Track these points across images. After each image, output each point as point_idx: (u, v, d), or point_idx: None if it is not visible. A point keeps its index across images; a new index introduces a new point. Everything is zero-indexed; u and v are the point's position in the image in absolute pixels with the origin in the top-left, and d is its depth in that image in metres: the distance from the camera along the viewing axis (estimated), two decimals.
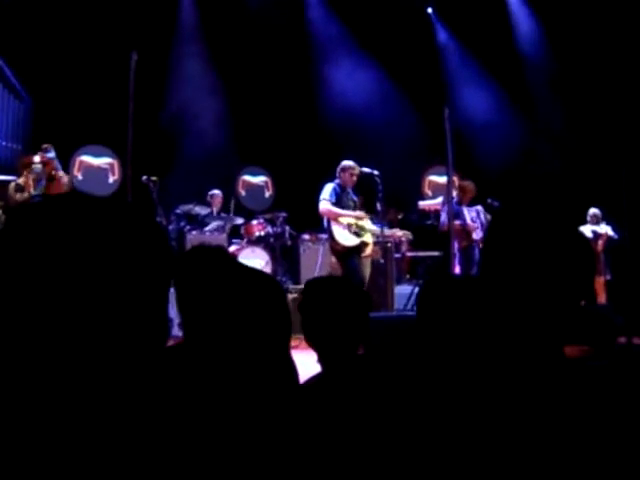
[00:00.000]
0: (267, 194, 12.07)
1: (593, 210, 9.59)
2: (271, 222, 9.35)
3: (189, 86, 10.56)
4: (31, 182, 7.37)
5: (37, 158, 7.41)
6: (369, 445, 1.25)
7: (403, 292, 8.51)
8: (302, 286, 2.48)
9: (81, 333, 0.83)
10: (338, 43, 11.36)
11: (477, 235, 8.20)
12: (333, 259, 7.79)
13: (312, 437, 1.26)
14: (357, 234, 7.44)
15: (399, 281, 9.30)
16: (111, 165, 10.89)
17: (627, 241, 9.12)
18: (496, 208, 8.57)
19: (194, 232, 8.90)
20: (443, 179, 10.64)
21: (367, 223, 7.59)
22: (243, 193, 11.85)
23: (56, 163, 7.57)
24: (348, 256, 7.38)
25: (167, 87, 10.57)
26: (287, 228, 9.36)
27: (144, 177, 7.96)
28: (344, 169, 7.51)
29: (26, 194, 7.35)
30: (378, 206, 7.65)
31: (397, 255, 9.31)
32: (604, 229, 9.46)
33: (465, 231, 8.26)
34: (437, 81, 11.42)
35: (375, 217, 7.71)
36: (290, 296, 7.67)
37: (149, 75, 7.94)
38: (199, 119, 10.39)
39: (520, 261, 1.32)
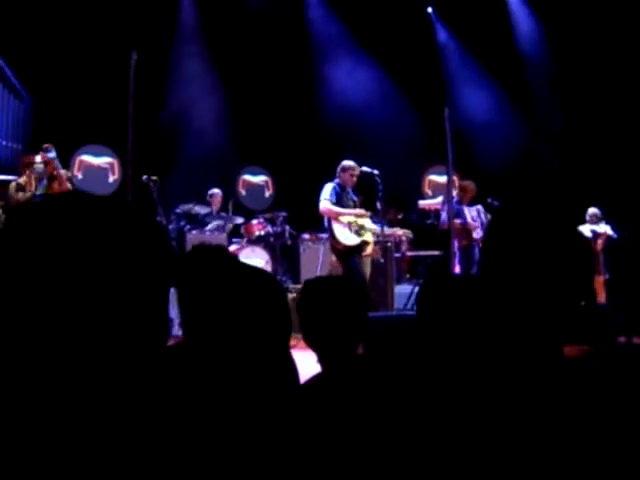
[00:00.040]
0: (267, 194, 12.07)
1: (592, 210, 9.59)
2: (271, 221, 9.35)
3: (189, 86, 10.56)
4: (33, 181, 7.37)
5: (39, 158, 7.41)
6: (369, 445, 1.25)
7: (403, 291, 8.51)
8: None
9: (81, 333, 0.84)
10: (338, 42, 11.35)
11: (477, 234, 8.21)
12: (333, 258, 7.79)
13: (312, 437, 1.26)
14: (358, 233, 7.45)
15: (399, 280, 9.30)
16: (111, 165, 10.89)
17: (627, 240, 9.13)
18: (496, 208, 8.57)
19: (194, 231, 8.89)
20: (443, 179, 10.63)
21: (367, 222, 7.59)
22: (243, 192, 11.85)
23: (57, 163, 7.56)
24: (349, 255, 7.39)
25: (167, 87, 10.56)
26: (287, 227, 9.36)
27: (144, 177, 7.96)
28: (344, 169, 7.51)
29: (27, 194, 7.35)
30: (378, 205, 7.65)
31: (397, 254, 9.31)
32: (603, 228, 9.47)
33: (465, 230, 8.27)
34: (437, 81, 11.42)
35: (375, 216, 7.71)
36: (290, 295, 7.66)
37: (149, 75, 7.94)
38: (199, 119, 10.39)
39: (520, 261, 1.32)
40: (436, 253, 9.56)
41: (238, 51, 10.66)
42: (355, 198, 7.64)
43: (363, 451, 1.25)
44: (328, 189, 7.45)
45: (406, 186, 10.83)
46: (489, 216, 8.35)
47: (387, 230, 8.09)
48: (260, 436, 1.14)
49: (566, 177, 10.36)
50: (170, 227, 8.85)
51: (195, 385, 1.23)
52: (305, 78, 11.11)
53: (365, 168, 7.64)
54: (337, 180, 7.53)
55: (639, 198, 9.47)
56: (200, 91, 10.57)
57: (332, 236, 7.45)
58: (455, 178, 8.21)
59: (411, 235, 8.71)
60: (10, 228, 0.86)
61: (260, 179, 12.06)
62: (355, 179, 7.54)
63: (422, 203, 9.72)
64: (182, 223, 9.07)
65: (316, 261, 8.73)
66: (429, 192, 11.99)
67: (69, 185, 7.78)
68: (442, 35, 12.16)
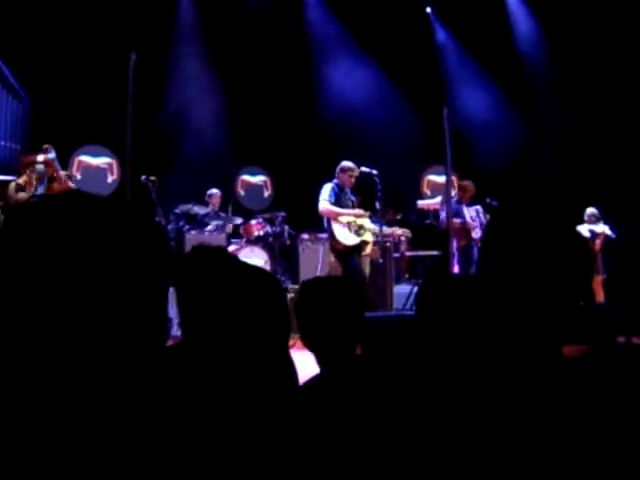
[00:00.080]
0: (266, 194, 12.07)
1: (590, 209, 9.59)
2: (270, 222, 9.34)
3: (188, 86, 10.56)
4: (33, 182, 7.35)
5: (40, 157, 7.39)
6: (369, 445, 1.25)
7: (402, 292, 8.51)
8: None
9: (80, 333, 0.83)
10: (337, 43, 11.35)
11: (476, 234, 8.22)
12: (332, 259, 7.79)
13: (312, 438, 1.26)
14: (357, 233, 7.46)
15: (398, 280, 9.30)
16: (110, 165, 10.88)
17: (626, 240, 9.14)
18: (495, 208, 8.58)
19: (193, 232, 8.89)
20: (442, 178, 10.64)
21: (367, 222, 7.61)
22: (242, 193, 11.85)
23: (57, 163, 7.56)
24: (349, 255, 7.40)
25: (166, 87, 10.56)
26: (286, 228, 9.35)
27: (143, 177, 7.95)
28: (343, 170, 7.52)
29: (27, 194, 7.33)
30: (377, 205, 7.66)
31: (396, 255, 9.31)
32: (601, 228, 9.47)
33: (465, 229, 8.28)
34: (436, 81, 11.42)
35: (374, 216, 7.72)
36: (289, 295, 7.67)
37: (148, 75, 7.93)
38: (198, 119, 10.38)
39: (519, 260, 1.32)
40: (435, 253, 9.56)
41: (237, 51, 10.66)
42: (353, 198, 7.65)
43: (362, 451, 1.25)
44: (327, 189, 7.45)
45: (405, 186, 10.83)
46: (488, 216, 8.36)
47: (386, 230, 8.10)
48: (259, 437, 1.14)
49: (565, 177, 10.36)
50: (169, 227, 8.84)
51: (194, 386, 1.23)
52: (304, 78, 11.11)
53: (364, 168, 7.65)
54: (336, 180, 7.54)
55: (638, 198, 9.49)
56: (199, 91, 10.57)
57: (332, 236, 7.46)
58: (454, 178, 8.22)
59: (410, 234, 8.72)
60: (9, 228, 0.86)
61: (259, 179, 12.06)
62: (354, 180, 7.55)
63: (421, 203, 9.73)
64: (181, 223, 9.06)
65: (315, 261, 8.73)
66: (428, 192, 12.00)
67: (71, 184, 7.77)
68: (441, 35, 12.16)
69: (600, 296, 8.84)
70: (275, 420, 1.24)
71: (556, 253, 1.32)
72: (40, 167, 7.41)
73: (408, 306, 7.99)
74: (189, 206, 9.08)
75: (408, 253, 10.21)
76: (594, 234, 9.26)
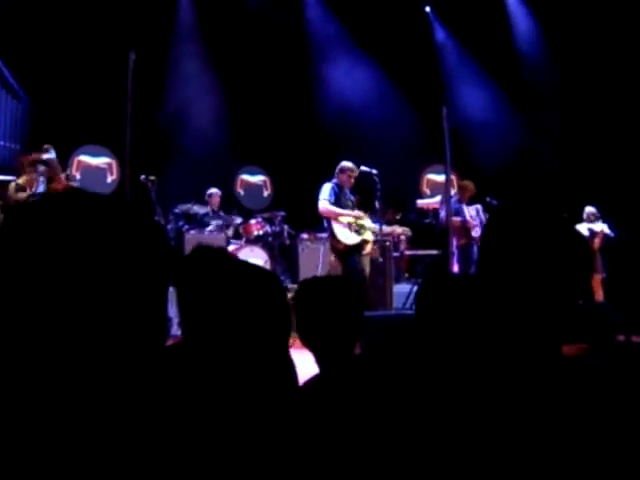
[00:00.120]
0: (265, 193, 12.07)
1: (589, 208, 9.60)
2: (270, 221, 9.35)
3: (187, 85, 10.56)
4: (33, 182, 7.34)
5: (41, 157, 7.38)
6: (368, 445, 1.25)
7: (402, 291, 8.51)
8: None
9: (79, 331, 0.83)
10: (336, 42, 11.35)
11: (476, 233, 8.23)
12: (332, 258, 7.80)
13: (312, 438, 1.26)
14: (358, 232, 7.47)
15: (398, 280, 9.30)
16: (109, 165, 10.88)
17: (625, 239, 9.14)
18: (494, 207, 8.59)
19: (192, 231, 8.89)
20: (441, 178, 10.66)
21: (367, 221, 7.62)
22: (241, 192, 11.86)
23: (57, 164, 7.55)
24: (349, 254, 7.41)
25: (165, 87, 10.56)
26: (285, 227, 9.36)
27: (142, 176, 7.95)
28: (343, 170, 7.53)
29: (28, 194, 7.32)
30: (376, 205, 7.66)
31: (396, 254, 9.32)
32: (600, 227, 9.48)
33: (465, 228, 8.29)
34: (435, 80, 11.42)
35: (374, 215, 7.73)
36: (288, 295, 7.66)
37: (147, 75, 7.93)
38: (197, 118, 10.39)
39: (518, 259, 1.32)
40: (435, 252, 9.57)
41: (236, 51, 10.66)
42: (352, 198, 7.66)
43: (362, 451, 1.25)
44: (327, 189, 7.46)
45: (404, 185, 10.84)
46: (487, 215, 8.37)
47: (386, 228, 8.11)
48: (259, 437, 1.14)
49: (564, 176, 10.37)
50: (168, 227, 8.84)
51: (194, 385, 1.23)
52: (303, 78, 11.11)
53: (363, 167, 7.65)
54: (335, 180, 7.54)
55: (637, 197, 9.49)
56: (198, 91, 10.57)
57: (332, 236, 7.46)
58: (453, 177, 8.22)
59: (410, 233, 8.72)
60: (9, 227, 0.86)
61: (258, 179, 12.07)
62: (353, 180, 7.56)
63: (420, 202, 9.73)
64: (180, 223, 9.06)
65: (314, 261, 8.73)
66: (427, 191, 12.00)
67: (74, 184, 7.76)
68: (440, 34, 12.17)
69: (599, 295, 8.84)
70: (275, 420, 1.24)
71: (555, 252, 1.32)
72: (40, 167, 7.40)
73: (408, 305, 7.99)
74: (188, 206, 9.09)
75: (408, 252, 10.22)
76: (593, 233, 9.26)
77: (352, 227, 7.42)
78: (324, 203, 7.40)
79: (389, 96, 11.29)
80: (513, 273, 1.32)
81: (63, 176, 7.61)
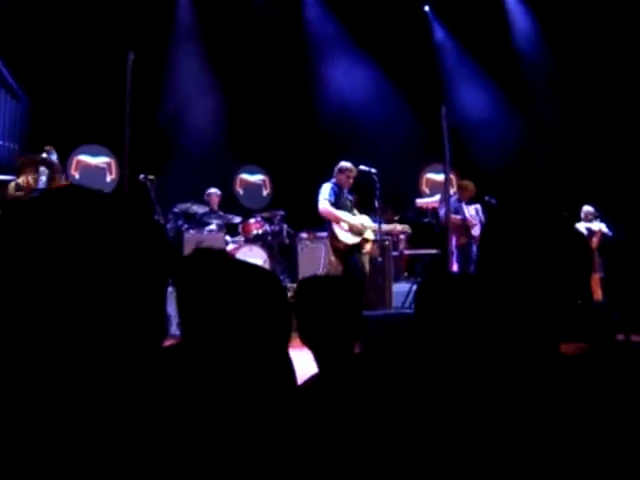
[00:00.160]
0: (265, 192, 12.07)
1: (587, 207, 9.60)
2: (269, 220, 9.34)
3: (186, 85, 10.56)
4: (32, 182, 7.34)
5: (43, 158, 7.36)
6: (367, 445, 1.25)
7: (401, 290, 8.51)
8: None
9: (77, 329, 0.83)
10: (335, 42, 11.35)
11: (476, 232, 8.24)
12: (332, 257, 7.80)
13: (311, 437, 1.26)
14: (359, 232, 7.49)
15: (397, 279, 9.31)
16: (108, 164, 10.88)
17: (624, 238, 9.14)
18: (493, 206, 8.60)
19: (192, 231, 8.89)
20: (440, 177, 10.67)
21: (367, 220, 7.62)
22: (241, 191, 11.86)
23: (58, 165, 7.55)
24: (350, 253, 7.42)
25: (164, 86, 10.55)
26: (285, 226, 9.35)
27: (141, 176, 7.95)
28: (341, 170, 7.53)
29: (27, 193, 7.31)
30: (376, 204, 7.67)
31: (395, 253, 9.32)
32: (598, 226, 9.48)
33: (465, 227, 8.29)
34: (434, 79, 11.43)
35: (373, 215, 7.73)
36: (288, 294, 7.66)
37: (146, 74, 7.92)
38: (196, 118, 10.38)
39: (517, 258, 1.32)
40: (434, 252, 9.57)
41: (235, 50, 10.66)
42: (351, 198, 7.66)
43: (361, 451, 1.25)
44: (327, 189, 7.46)
45: (404, 185, 10.84)
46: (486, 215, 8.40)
47: (386, 226, 8.12)
48: (258, 437, 1.14)
49: (563, 175, 10.37)
50: (168, 226, 8.84)
51: (192, 386, 1.22)
52: (302, 77, 11.11)
53: (362, 167, 7.65)
54: (334, 180, 7.54)
55: (636, 195, 9.50)
56: (197, 90, 10.57)
57: (333, 235, 7.46)
58: (453, 176, 8.22)
59: (410, 230, 8.72)
60: (7, 223, 0.86)
61: (257, 178, 12.06)
62: (352, 180, 7.56)
63: (419, 202, 9.73)
64: (180, 222, 9.06)
65: (314, 260, 8.73)
66: (427, 190, 12.00)
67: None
68: (439, 34, 12.16)
69: (598, 294, 8.84)
70: (273, 419, 1.24)
71: (555, 251, 1.32)
72: (42, 168, 7.40)
73: (407, 304, 7.99)
74: (188, 205, 9.08)
75: (407, 251, 10.22)
76: (591, 232, 9.27)
77: (353, 230, 7.42)
78: (324, 203, 7.40)
79: (388, 95, 11.29)
80: (512, 272, 1.32)
81: (63, 177, 7.61)
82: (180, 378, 1.18)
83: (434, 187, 11.78)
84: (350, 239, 7.41)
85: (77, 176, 10.57)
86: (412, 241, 10.10)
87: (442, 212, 8.22)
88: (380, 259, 7.94)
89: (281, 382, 1.62)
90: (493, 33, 11.17)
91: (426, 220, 9.40)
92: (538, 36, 11.46)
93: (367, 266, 7.55)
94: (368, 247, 7.58)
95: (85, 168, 10.72)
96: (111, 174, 10.88)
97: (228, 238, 9.15)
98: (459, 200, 8.45)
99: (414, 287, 8.02)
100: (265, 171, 12.01)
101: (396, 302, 8.27)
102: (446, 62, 11.97)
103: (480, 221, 8.37)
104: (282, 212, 9.39)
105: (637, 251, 8.80)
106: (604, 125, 10.39)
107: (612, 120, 10.33)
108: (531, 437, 1.19)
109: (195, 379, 1.29)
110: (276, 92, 10.75)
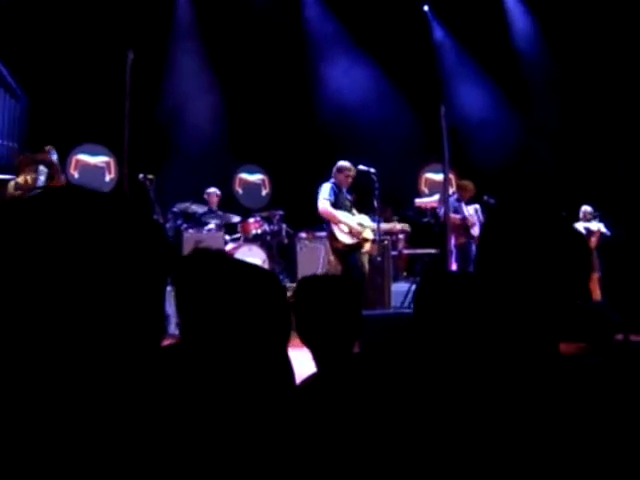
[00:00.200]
0: (264, 192, 12.07)
1: (585, 207, 9.61)
2: (268, 220, 9.35)
3: (185, 84, 10.56)
4: (33, 181, 7.33)
5: (42, 157, 7.36)
6: (366, 444, 1.25)
7: (400, 290, 8.51)
8: None
9: (76, 329, 0.83)
10: (334, 41, 11.35)
11: (475, 231, 8.24)
12: (331, 257, 7.80)
13: (309, 437, 1.26)
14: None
15: (396, 279, 9.31)
16: (107, 163, 10.88)
17: (623, 238, 9.14)
18: (492, 205, 8.60)
19: (191, 230, 8.89)
20: (440, 177, 10.67)
21: (366, 220, 7.62)
22: (240, 191, 11.86)
23: (58, 165, 7.55)
24: (349, 253, 7.41)
25: (163, 85, 10.56)
26: (284, 226, 9.36)
27: (140, 175, 7.95)
28: (340, 169, 7.52)
29: (26, 192, 7.30)
30: (375, 203, 7.67)
31: (394, 253, 9.32)
32: (596, 226, 9.48)
33: (464, 226, 8.30)
34: (433, 79, 11.43)
35: (372, 214, 7.73)
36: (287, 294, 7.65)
37: (145, 73, 7.92)
38: (195, 117, 10.39)
39: (516, 258, 1.32)
40: (433, 251, 9.57)
41: (235, 49, 10.66)
42: (349, 197, 7.66)
43: (360, 450, 1.24)
44: (327, 188, 7.45)
45: (403, 184, 10.84)
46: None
47: (386, 225, 8.12)
48: (256, 437, 1.14)
49: (562, 175, 10.37)
50: (167, 226, 8.84)
51: (191, 386, 1.22)
52: (302, 76, 11.11)
53: (362, 166, 7.65)
54: (333, 180, 7.54)
55: (635, 195, 9.50)
56: (197, 89, 10.57)
57: (332, 235, 7.46)
58: (452, 176, 8.23)
59: (409, 229, 8.72)
60: (4, 222, 0.85)
61: (257, 177, 12.07)
62: (350, 180, 7.55)
63: (419, 201, 9.73)
64: (179, 222, 9.06)
65: (313, 260, 8.74)
66: (426, 190, 12.01)
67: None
68: (438, 33, 12.17)
69: (597, 294, 8.85)
70: (272, 419, 1.24)
71: (554, 251, 1.32)
72: (41, 167, 7.40)
73: (406, 304, 8.00)
74: (187, 205, 9.08)
75: (406, 251, 10.22)
76: (589, 232, 9.27)
77: (353, 233, 7.42)
78: (324, 203, 7.39)
79: (387, 95, 11.29)
80: (511, 272, 1.32)
81: (62, 177, 7.61)
82: (179, 378, 1.17)
83: (433, 187, 11.78)
84: (349, 239, 7.41)
85: (76, 175, 10.57)
86: (411, 241, 10.10)
87: (441, 212, 8.23)
88: (379, 259, 7.94)
89: (279, 381, 1.62)
90: (492, 33, 11.17)
91: (425, 220, 9.40)
92: (537, 36, 11.46)
93: (366, 266, 7.55)
94: (367, 247, 7.57)
95: (84, 167, 10.72)
96: (110, 173, 10.88)
97: (227, 237, 9.16)
98: (459, 200, 8.45)
99: (413, 287, 8.03)
100: (264, 171, 12.01)
101: (395, 302, 8.27)
102: (445, 62, 11.97)
103: (479, 221, 8.38)
104: (281, 212, 9.40)
105: (636, 251, 8.80)
106: (603, 125, 10.39)
107: (611, 120, 10.33)
108: (530, 437, 1.19)
109: (194, 379, 1.29)
110: (275, 91, 10.76)
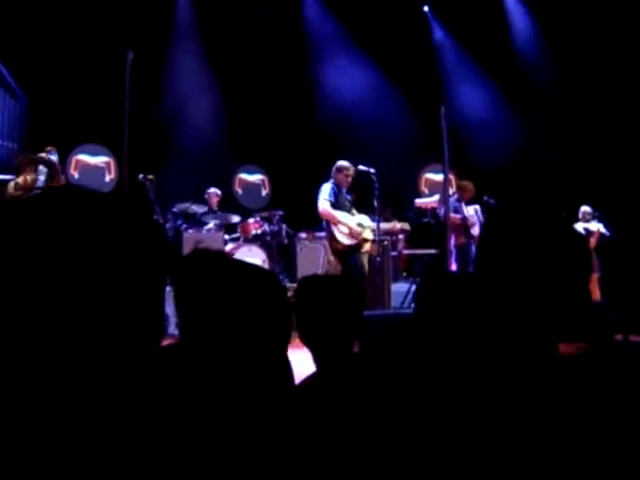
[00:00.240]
0: (264, 192, 12.07)
1: (584, 207, 9.61)
2: (268, 220, 9.35)
3: (185, 84, 10.56)
4: (33, 181, 7.33)
5: (44, 158, 7.36)
6: (366, 444, 1.25)
7: (400, 290, 8.52)
8: None
9: (75, 330, 0.83)
10: (334, 41, 11.35)
11: (475, 231, 8.24)
12: (331, 257, 7.80)
13: (309, 437, 1.26)
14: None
15: (396, 279, 9.31)
16: (107, 164, 10.88)
17: (623, 238, 9.14)
18: (492, 206, 8.60)
19: (191, 230, 8.89)
20: (439, 177, 10.67)
21: (366, 220, 7.62)
22: (240, 191, 11.86)
23: (59, 166, 7.55)
24: (349, 253, 7.41)
25: (163, 85, 10.56)
26: (284, 226, 9.36)
27: (140, 175, 7.95)
28: (339, 169, 7.52)
29: (26, 193, 7.29)
30: (374, 204, 7.66)
31: (394, 253, 9.32)
32: (596, 226, 9.49)
33: (464, 226, 8.30)
34: (433, 79, 11.43)
35: (372, 214, 7.73)
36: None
37: (145, 73, 7.92)
38: (195, 117, 10.39)
39: (516, 258, 1.32)
40: (433, 251, 9.57)
41: (234, 49, 10.66)
42: (349, 197, 7.65)
43: (360, 450, 1.24)
44: (327, 189, 7.44)
45: (403, 185, 10.84)
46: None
47: (386, 224, 8.12)
48: (256, 437, 1.14)
49: (562, 175, 10.37)
50: (167, 226, 8.84)
51: (191, 386, 1.22)
52: (301, 76, 11.11)
53: (361, 167, 7.65)
54: (333, 180, 7.53)
55: (635, 196, 9.50)
56: (196, 90, 10.57)
57: (332, 236, 7.45)
58: (452, 176, 8.22)
59: (409, 228, 8.72)
60: (4, 222, 0.85)
61: (256, 178, 12.06)
62: (350, 180, 7.54)
63: (418, 202, 9.73)
64: (179, 222, 9.07)
65: (313, 260, 8.74)
66: (426, 190, 12.01)
67: None
68: (438, 34, 12.17)
69: (596, 294, 8.85)
70: (271, 419, 1.24)
71: (554, 251, 1.32)
72: (41, 167, 7.39)
73: (406, 304, 8.00)
74: (187, 205, 9.08)
75: (406, 251, 10.22)
76: (589, 232, 9.27)
77: (352, 234, 7.41)
78: (324, 204, 7.38)
79: (387, 95, 11.29)
80: (511, 272, 1.32)
81: (63, 177, 7.60)
82: (178, 378, 1.17)
83: (433, 187, 11.78)
84: (348, 240, 7.41)
85: (76, 175, 10.57)
86: (411, 241, 10.10)
87: (441, 212, 8.23)
88: (379, 259, 7.94)
89: (279, 381, 1.62)
90: (492, 33, 11.17)
91: (425, 220, 9.40)
92: (537, 36, 11.46)
93: (366, 266, 7.55)
94: (367, 247, 7.57)
95: (84, 167, 10.72)
96: (110, 174, 10.88)
97: (227, 238, 9.16)
98: (459, 200, 8.45)
99: (413, 287, 8.03)
100: (264, 171, 12.01)
101: (395, 302, 8.27)
102: (445, 62, 11.97)
103: (479, 221, 8.38)
104: (281, 212, 9.40)
105: (635, 251, 8.80)
106: (603, 126, 10.39)
107: (611, 121, 10.33)
108: (530, 437, 1.19)
109: (193, 379, 1.29)
110: (275, 91, 10.76)
